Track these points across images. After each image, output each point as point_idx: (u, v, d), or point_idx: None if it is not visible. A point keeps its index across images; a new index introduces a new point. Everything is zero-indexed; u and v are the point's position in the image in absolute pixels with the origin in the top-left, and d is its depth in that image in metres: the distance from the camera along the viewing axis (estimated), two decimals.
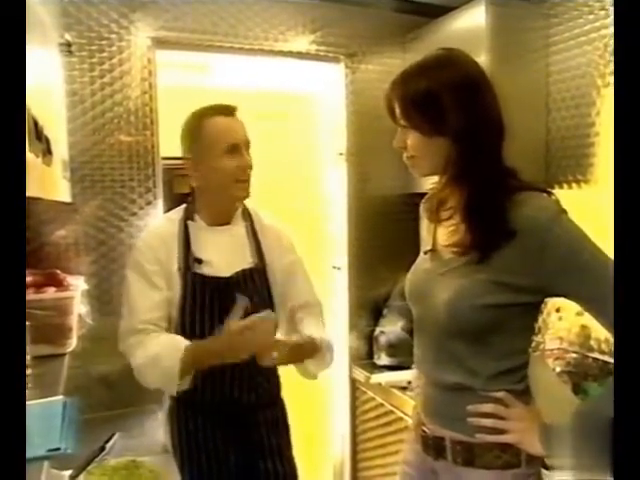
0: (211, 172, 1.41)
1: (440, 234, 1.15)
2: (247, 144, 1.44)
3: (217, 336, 1.32)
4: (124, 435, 1.77)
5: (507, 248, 0.98)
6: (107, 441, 1.70)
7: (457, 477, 1.08)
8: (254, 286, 1.50)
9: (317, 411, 2.57)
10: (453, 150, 1.03)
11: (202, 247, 1.45)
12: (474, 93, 1.04)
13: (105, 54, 1.86)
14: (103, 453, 1.64)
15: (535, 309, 1.07)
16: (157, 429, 1.82)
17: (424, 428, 1.14)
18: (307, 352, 1.40)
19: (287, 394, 1.64)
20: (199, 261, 1.44)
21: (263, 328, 1.28)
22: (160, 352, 1.34)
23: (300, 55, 2.18)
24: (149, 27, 1.91)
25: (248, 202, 1.56)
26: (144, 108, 1.93)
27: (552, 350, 1.98)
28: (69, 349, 1.47)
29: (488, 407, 1.05)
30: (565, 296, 1.02)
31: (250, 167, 1.43)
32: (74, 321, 1.48)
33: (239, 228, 1.51)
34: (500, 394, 1.05)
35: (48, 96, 1.36)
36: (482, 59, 1.94)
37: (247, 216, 1.54)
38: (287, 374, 1.59)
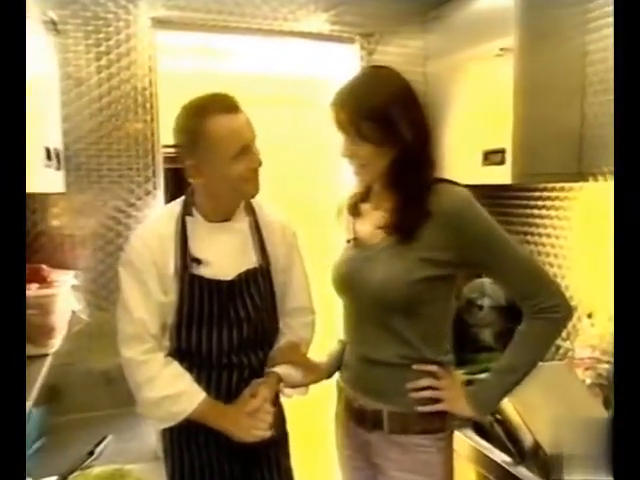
0: (218, 177, 1.26)
1: (361, 225, 1.29)
2: (255, 139, 1.29)
3: (234, 407, 1.34)
4: (117, 438, 1.69)
5: (429, 229, 1.15)
6: (97, 444, 1.63)
7: (392, 444, 1.23)
8: (258, 289, 1.39)
9: (317, 413, 2.44)
10: (396, 158, 1.17)
11: (201, 246, 1.32)
12: (414, 105, 1.19)
13: (102, 35, 1.75)
14: (92, 458, 1.57)
15: (454, 279, 1.25)
16: (151, 433, 1.73)
17: (360, 402, 1.27)
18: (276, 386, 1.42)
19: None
20: (198, 261, 1.31)
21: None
22: (172, 395, 1.30)
23: (312, 36, 2.03)
24: (149, 6, 1.80)
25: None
26: (144, 93, 1.83)
27: (582, 359, 1.80)
28: (51, 350, 1.38)
29: (425, 381, 1.21)
30: (477, 267, 1.29)
31: (260, 164, 1.30)
32: (57, 320, 1.39)
33: (242, 224, 1.39)
34: (432, 368, 1.22)
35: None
36: (510, 39, 1.77)
37: (250, 211, 1.41)
38: None
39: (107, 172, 1.80)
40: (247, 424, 1.30)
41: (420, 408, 1.21)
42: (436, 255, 1.17)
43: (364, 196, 1.32)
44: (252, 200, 1.42)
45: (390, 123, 1.14)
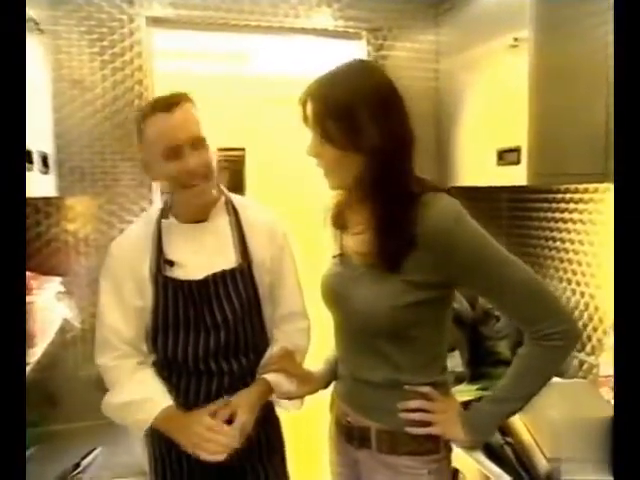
0: (158, 176, 1.27)
1: (347, 240, 1.18)
2: (196, 141, 1.20)
3: (196, 416, 1.23)
4: (109, 451, 1.64)
5: (416, 250, 1.03)
6: (85, 456, 1.58)
7: (380, 464, 1.15)
8: (236, 290, 1.31)
9: (313, 425, 2.33)
10: (365, 166, 1.05)
11: (175, 248, 1.29)
12: (388, 108, 1.05)
13: (95, 36, 1.72)
14: (77, 471, 1.53)
15: (447, 300, 1.14)
16: (143, 445, 1.68)
17: (348, 419, 1.20)
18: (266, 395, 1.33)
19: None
20: (171, 263, 1.28)
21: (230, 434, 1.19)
22: (136, 401, 1.26)
23: (316, 32, 1.96)
24: (144, 4, 1.75)
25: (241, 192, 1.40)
26: (140, 94, 1.78)
27: (608, 377, 1.64)
28: (31, 359, 1.33)
29: (416, 403, 1.12)
30: (471, 290, 1.16)
31: (196, 170, 1.20)
32: (37, 329, 1.34)
33: (220, 224, 1.33)
34: (425, 389, 1.13)
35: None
36: (526, 29, 1.64)
37: (231, 210, 1.36)
38: None
39: (101, 176, 1.77)
40: (196, 440, 1.19)
41: (410, 430, 1.12)
42: (423, 277, 1.06)
43: (348, 203, 1.20)
44: (235, 199, 1.38)
45: (354, 125, 1.02)
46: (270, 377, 1.32)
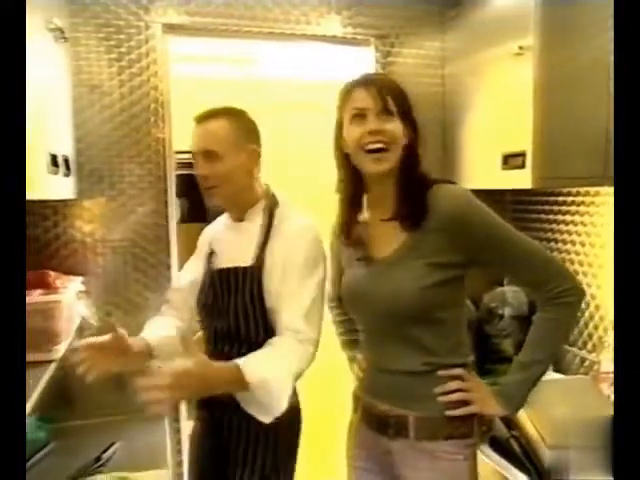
0: None
1: (370, 244, 1.26)
2: (206, 153, 1.35)
3: None
4: (126, 445, 1.69)
5: (431, 233, 1.16)
6: (105, 450, 1.63)
7: (417, 451, 1.19)
8: (243, 285, 1.37)
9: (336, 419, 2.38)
10: (408, 145, 1.19)
11: (219, 240, 1.49)
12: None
13: (113, 42, 1.77)
14: (98, 464, 1.57)
15: (463, 282, 1.23)
16: (162, 439, 1.73)
17: (381, 409, 1.24)
18: (224, 383, 1.16)
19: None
20: (213, 253, 1.49)
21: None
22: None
23: (326, 39, 2.00)
24: (160, 12, 1.80)
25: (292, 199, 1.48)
26: (156, 99, 1.83)
27: (608, 373, 1.70)
28: (56, 356, 1.38)
29: (454, 384, 1.19)
30: (487, 265, 1.28)
31: (200, 177, 1.37)
32: (62, 326, 1.39)
33: (252, 225, 1.43)
34: (457, 371, 1.20)
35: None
36: (530, 37, 1.69)
37: (267, 214, 1.42)
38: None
39: (119, 178, 1.81)
40: None
41: (450, 412, 1.19)
42: (445, 258, 1.16)
43: (356, 213, 1.29)
44: (281, 205, 1.43)
45: (407, 107, 1.19)
46: (240, 361, 1.17)
